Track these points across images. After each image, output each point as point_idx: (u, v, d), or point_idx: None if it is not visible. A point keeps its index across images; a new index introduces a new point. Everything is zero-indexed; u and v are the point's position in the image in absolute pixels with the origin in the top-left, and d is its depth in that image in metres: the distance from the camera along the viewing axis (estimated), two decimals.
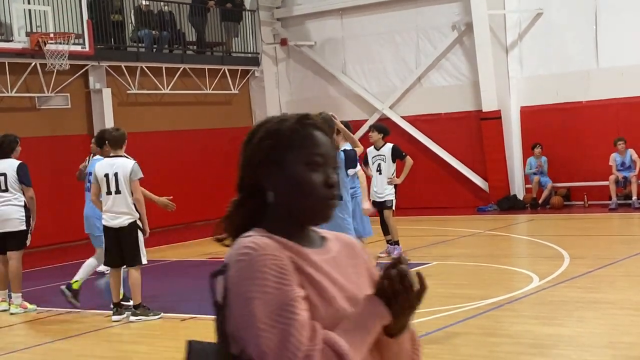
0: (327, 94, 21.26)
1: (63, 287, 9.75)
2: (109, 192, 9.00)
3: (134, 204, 9.00)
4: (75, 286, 9.69)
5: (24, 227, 9.89)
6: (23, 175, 9.87)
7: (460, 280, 10.29)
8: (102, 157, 9.58)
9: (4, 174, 9.86)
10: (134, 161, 9.11)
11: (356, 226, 8.87)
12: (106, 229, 9.10)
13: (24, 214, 9.88)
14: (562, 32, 18.18)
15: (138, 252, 9.01)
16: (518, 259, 12.35)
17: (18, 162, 9.95)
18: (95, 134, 17.67)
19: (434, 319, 7.96)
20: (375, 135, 12.11)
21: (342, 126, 7.57)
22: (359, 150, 7.55)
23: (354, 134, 10.07)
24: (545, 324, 7.63)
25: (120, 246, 9.02)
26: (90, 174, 9.84)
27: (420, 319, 8.01)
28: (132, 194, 8.98)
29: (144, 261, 9.11)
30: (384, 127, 12.72)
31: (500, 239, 14.34)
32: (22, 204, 9.87)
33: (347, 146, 9.27)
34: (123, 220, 8.98)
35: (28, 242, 10.06)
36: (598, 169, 17.46)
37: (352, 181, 9.21)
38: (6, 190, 9.85)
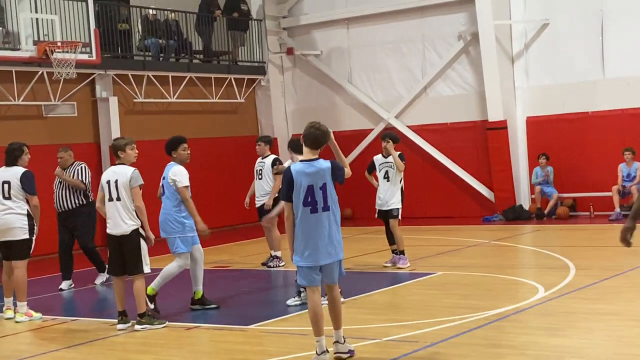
0: (333, 103, 21.29)
1: (192, 306, 9.90)
2: (110, 199, 9.01)
3: (135, 212, 9.00)
4: (197, 296, 9.87)
5: (26, 236, 9.85)
6: (27, 184, 9.82)
7: (465, 290, 10.26)
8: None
9: (8, 182, 9.84)
10: (134, 169, 9.11)
11: None
12: (109, 237, 9.11)
13: (26, 222, 9.84)
14: (568, 43, 18.18)
15: (140, 260, 9.00)
16: (524, 270, 12.32)
17: (23, 170, 9.93)
18: (101, 142, 17.87)
19: (439, 329, 7.94)
20: (390, 145, 12.11)
21: (336, 144, 7.47)
22: (348, 173, 7.39)
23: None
24: (550, 335, 7.61)
25: (123, 254, 9.02)
26: (164, 178, 9.75)
27: (426, 329, 8.00)
28: (133, 201, 8.98)
29: (147, 270, 9.09)
30: (397, 136, 12.73)
31: (506, 249, 14.31)
32: (25, 212, 9.84)
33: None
34: (125, 228, 8.98)
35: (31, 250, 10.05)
36: (604, 180, 17.44)
37: None
38: (9, 198, 9.83)
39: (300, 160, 7.15)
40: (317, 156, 7.11)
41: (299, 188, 6.96)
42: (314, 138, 7.08)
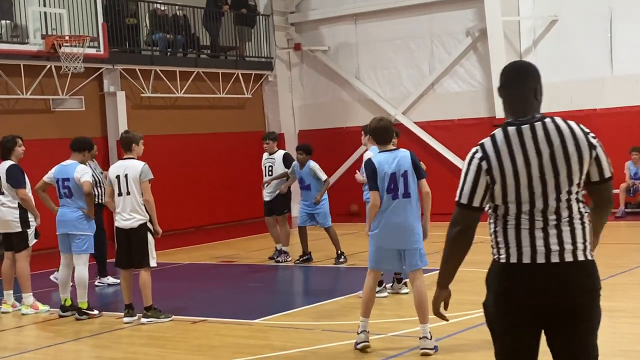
0: (340, 99, 21.28)
1: (77, 316, 9.49)
2: (120, 194, 9.05)
3: (144, 205, 9.02)
4: (83, 306, 9.53)
5: (20, 229, 9.87)
6: (10, 177, 9.83)
7: (471, 287, 10.19)
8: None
9: None
10: (144, 163, 9.14)
11: None
12: (117, 230, 9.15)
13: (18, 215, 9.86)
14: (576, 39, 18.13)
15: (147, 253, 9.03)
16: None
17: (10, 163, 9.92)
18: (108, 136, 17.91)
19: (444, 325, 7.92)
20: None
21: None
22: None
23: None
24: None
25: (130, 247, 9.05)
26: (57, 180, 9.64)
27: (430, 325, 8.00)
28: (142, 195, 9.01)
29: (153, 264, 9.10)
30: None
31: None
32: (17, 205, 9.86)
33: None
34: (133, 222, 9.01)
35: (31, 242, 10.00)
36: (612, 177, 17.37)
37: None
38: (2, 193, 9.89)
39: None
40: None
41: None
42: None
